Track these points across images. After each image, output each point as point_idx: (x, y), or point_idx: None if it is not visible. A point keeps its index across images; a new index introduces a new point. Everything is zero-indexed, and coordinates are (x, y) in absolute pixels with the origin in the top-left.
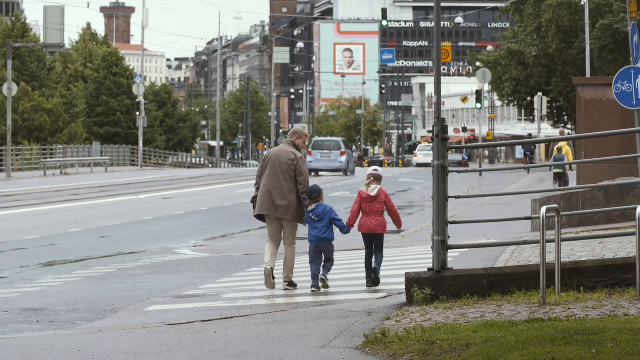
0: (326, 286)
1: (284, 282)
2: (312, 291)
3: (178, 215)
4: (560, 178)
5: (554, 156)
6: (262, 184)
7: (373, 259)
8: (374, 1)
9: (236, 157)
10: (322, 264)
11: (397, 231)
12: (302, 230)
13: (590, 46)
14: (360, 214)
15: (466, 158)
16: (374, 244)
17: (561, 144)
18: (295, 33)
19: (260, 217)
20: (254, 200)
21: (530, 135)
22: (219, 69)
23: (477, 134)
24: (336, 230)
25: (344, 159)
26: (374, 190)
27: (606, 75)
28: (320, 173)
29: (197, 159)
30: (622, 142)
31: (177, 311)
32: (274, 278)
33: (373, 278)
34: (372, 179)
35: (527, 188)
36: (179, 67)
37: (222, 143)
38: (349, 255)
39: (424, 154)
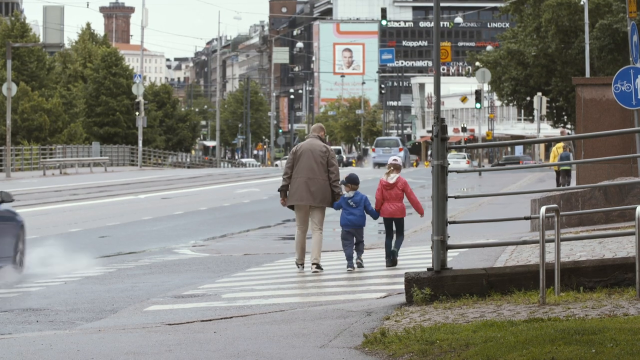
0: (361, 266)
1: (312, 264)
2: (348, 270)
3: (177, 215)
4: (568, 175)
5: (559, 155)
6: (297, 176)
7: (392, 242)
8: (374, 1)
9: (236, 157)
10: (355, 246)
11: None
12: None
13: (590, 46)
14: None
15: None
16: (395, 228)
17: (559, 144)
18: (295, 33)
19: (290, 205)
20: (282, 189)
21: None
22: (218, 68)
23: (476, 133)
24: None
25: (401, 154)
26: (393, 178)
27: (606, 75)
28: (381, 167)
29: (199, 158)
30: (622, 142)
31: (176, 311)
32: (304, 267)
33: (392, 259)
34: (391, 168)
35: (527, 188)
36: (178, 67)
37: (214, 143)
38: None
39: (453, 161)
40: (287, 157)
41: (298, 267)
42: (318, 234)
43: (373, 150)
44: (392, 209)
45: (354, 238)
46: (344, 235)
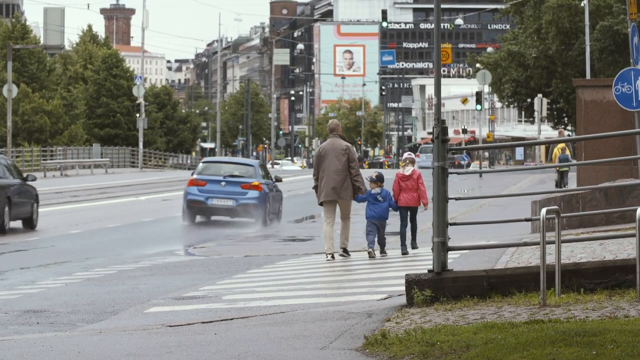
0: (385, 253)
1: (340, 248)
2: (369, 252)
3: (178, 216)
4: (565, 175)
5: (558, 156)
6: (323, 174)
7: (407, 230)
8: (374, 2)
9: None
10: (377, 237)
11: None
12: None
13: (590, 47)
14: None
15: (466, 160)
16: (410, 215)
17: (561, 144)
18: (295, 34)
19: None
20: (315, 188)
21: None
22: (219, 70)
23: (477, 135)
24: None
25: None
26: (408, 170)
27: (606, 76)
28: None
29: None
30: (622, 143)
31: (177, 313)
32: (334, 258)
33: (412, 245)
34: (407, 161)
35: (527, 189)
36: (179, 69)
37: (212, 145)
38: (348, 257)
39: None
40: (288, 159)
41: (327, 258)
42: (347, 222)
43: (417, 156)
44: (408, 198)
45: (377, 229)
46: (368, 225)
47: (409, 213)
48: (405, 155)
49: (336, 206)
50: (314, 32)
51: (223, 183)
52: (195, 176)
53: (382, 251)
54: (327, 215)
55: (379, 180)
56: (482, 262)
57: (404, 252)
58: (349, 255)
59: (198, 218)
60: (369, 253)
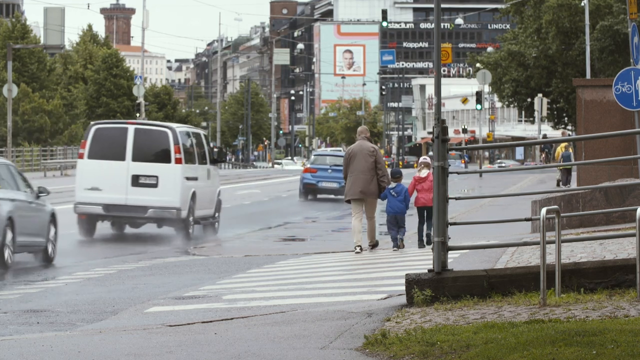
0: (403, 246)
1: (369, 245)
2: (394, 250)
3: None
4: (569, 173)
5: (561, 154)
6: (351, 174)
7: (424, 227)
8: (374, 2)
9: (236, 158)
10: (398, 230)
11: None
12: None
13: (590, 47)
14: (416, 193)
15: (466, 159)
16: (426, 215)
17: (563, 144)
18: (296, 34)
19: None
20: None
21: (545, 136)
22: (219, 70)
23: (477, 135)
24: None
25: (462, 165)
26: (424, 173)
27: (606, 76)
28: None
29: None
30: (622, 143)
31: (177, 312)
32: (362, 250)
33: (427, 240)
34: (422, 165)
35: (527, 189)
36: (179, 69)
37: (211, 145)
38: (349, 257)
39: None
40: (288, 159)
41: (356, 250)
42: (372, 222)
43: None
44: (425, 199)
45: (397, 223)
46: (389, 220)
47: (425, 212)
48: (421, 159)
49: (363, 204)
50: (314, 31)
51: (330, 170)
52: (309, 165)
53: (402, 241)
54: (355, 211)
55: (393, 175)
56: (482, 261)
57: (421, 247)
58: (378, 244)
59: (309, 196)
60: (393, 250)
